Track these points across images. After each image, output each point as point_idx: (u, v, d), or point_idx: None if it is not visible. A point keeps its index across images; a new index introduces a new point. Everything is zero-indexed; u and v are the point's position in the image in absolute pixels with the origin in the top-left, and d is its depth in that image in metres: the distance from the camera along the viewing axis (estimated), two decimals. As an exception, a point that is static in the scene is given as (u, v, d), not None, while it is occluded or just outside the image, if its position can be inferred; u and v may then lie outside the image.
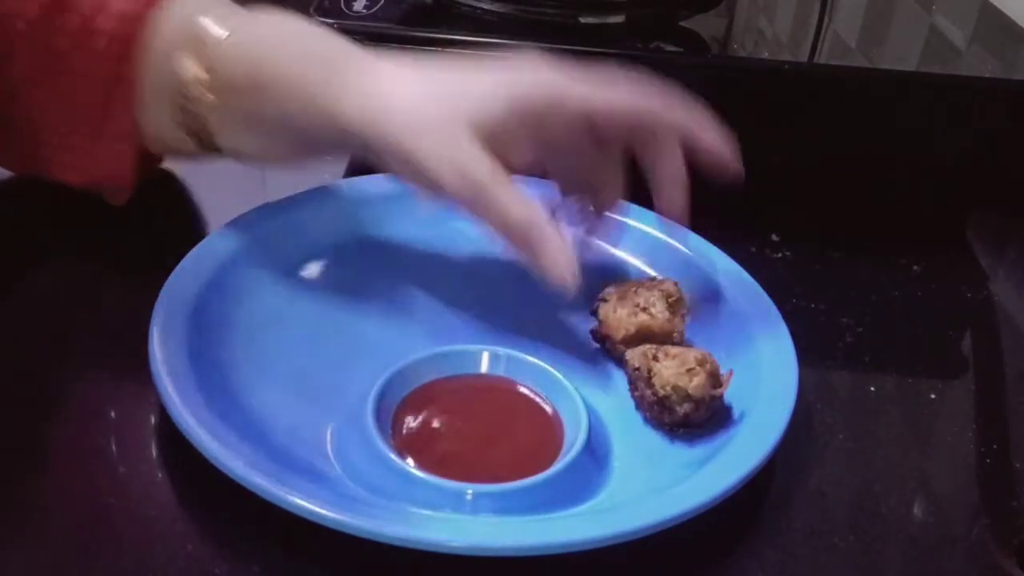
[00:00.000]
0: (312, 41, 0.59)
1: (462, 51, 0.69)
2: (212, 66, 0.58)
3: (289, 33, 0.59)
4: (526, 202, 0.54)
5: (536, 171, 0.60)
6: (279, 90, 0.57)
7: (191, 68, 0.58)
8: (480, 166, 0.53)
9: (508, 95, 0.55)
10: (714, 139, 0.58)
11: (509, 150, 0.55)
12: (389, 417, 0.51)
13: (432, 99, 0.55)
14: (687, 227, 0.60)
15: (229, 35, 0.58)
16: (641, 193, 0.67)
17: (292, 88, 0.57)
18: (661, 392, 0.52)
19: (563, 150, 0.58)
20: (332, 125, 0.56)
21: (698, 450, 0.52)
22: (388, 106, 0.55)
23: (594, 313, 0.58)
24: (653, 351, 0.53)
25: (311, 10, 0.69)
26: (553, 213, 0.60)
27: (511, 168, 0.55)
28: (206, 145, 0.61)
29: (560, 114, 0.55)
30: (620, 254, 0.65)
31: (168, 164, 0.73)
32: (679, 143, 0.57)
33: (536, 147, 0.56)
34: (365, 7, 0.71)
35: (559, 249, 0.53)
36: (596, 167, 0.60)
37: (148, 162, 0.65)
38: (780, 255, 0.69)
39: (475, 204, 0.54)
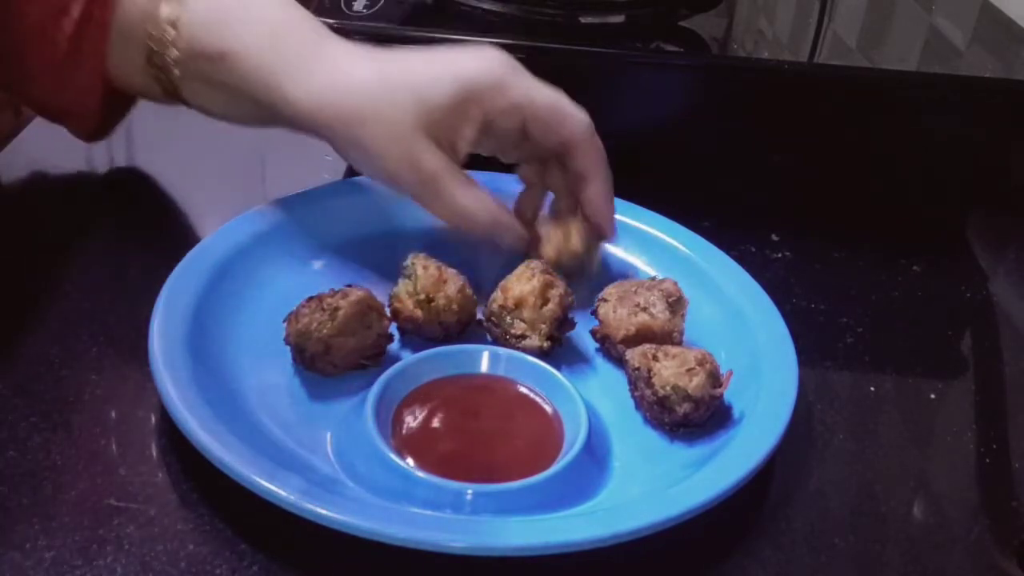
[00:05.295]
0: (278, 17, 0.60)
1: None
2: (179, 22, 0.59)
3: (256, 4, 0.60)
4: (475, 192, 0.57)
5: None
6: (242, 64, 0.58)
7: (161, 18, 0.60)
8: (430, 158, 0.56)
9: (453, 78, 0.56)
10: (605, 195, 0.60)
11: (455, 132, 0.57)
12: (389, 417, 0.51)
13: (382, 87, 0.57)
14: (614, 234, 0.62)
15: None
16: (641, 193, 0.67)
17: (254, 65, 0.58)
18: (661, 392, 0.52)
19: (504, 138, 0.60)
20: (287, 106, 0.58)
21: (698, 450, 0.52)
22: (339, 94, 0.57)
23: (594, 313, 0.58)
24: (653, 351, 0.54)
25: (311, 10, 0.69)
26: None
27: (458, 150, 0.58)
28: (171, 94, 0.63)
29: (499, 100, 0.57)
30: (620, 254, 0.65)
31: (168, 164, 0.74)
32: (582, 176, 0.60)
33: (480, 131, 0.58)
34: (365, 7, 0.71)
35: (509, 227, 0.58)
36: (540, 167, 0.62)
37: (120, 102, 0.66)
38: (780, 255, 0.69)
39: (424, 195, 0.57)
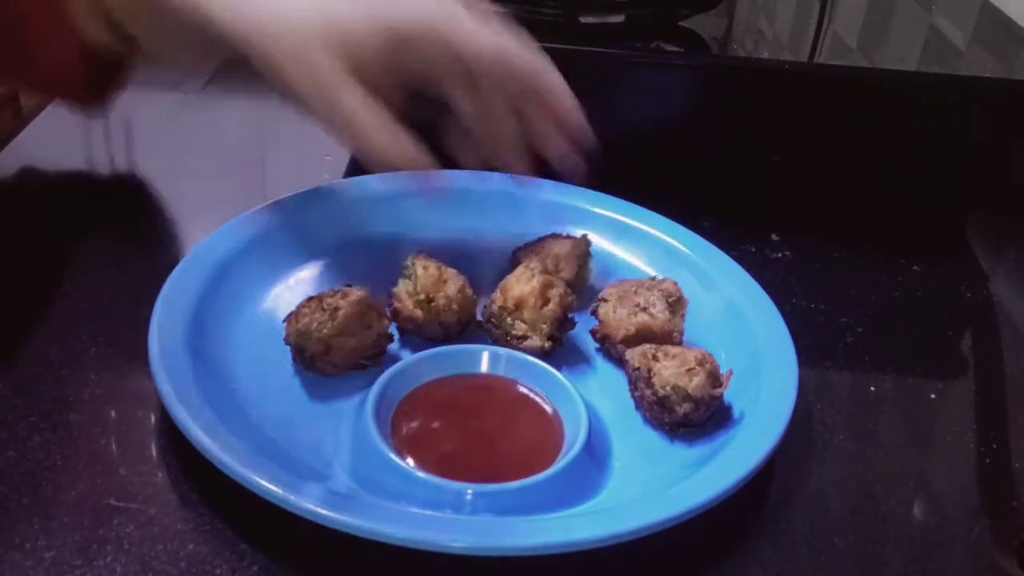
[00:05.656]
0: None
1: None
2: None
3: None
4: (370, 106, 0.55)
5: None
6: None
7: None
8: (327, 72, 0.54)
9: (370, 15, 0.55)
10: (571, 107, 0.58)
11: (374, 74, 0.55)
12: (389, 417, 0.51)
13: (299, 10, 0.56)
14: (582, 176, 0.60)
15: None
16: (641, 193, 0.67)
17: None
18: (661, 392, 0.52)
19: (435, 85, 0.58)
20: (211, 25, 0.56)
21: (698, 450, 0.52)
22: (259, 13, 0.56)
23: (594, 313, 0.58)
24: (653, 351, 0.54)
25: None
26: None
27: (380, 91, 0.55)
28: (122, 41, 0.62)
29: (426, 47, 0.56)
30: (620, 254, 0.65)
31: (168, 165, 0.74)
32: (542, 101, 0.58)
33: (405, 78, 0.56)
34: (365, 7, 0.70)
35: (404, 147, 0.55)
36: (483, 114, 0.59)
37: (104, 68, 0.66)
38: (780, 255, 0.70)
39: (320, 105, 0.55)
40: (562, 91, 0.58)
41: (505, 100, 0.58)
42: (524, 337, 0.56)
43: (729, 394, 0.53)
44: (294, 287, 0.60)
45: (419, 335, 0.57)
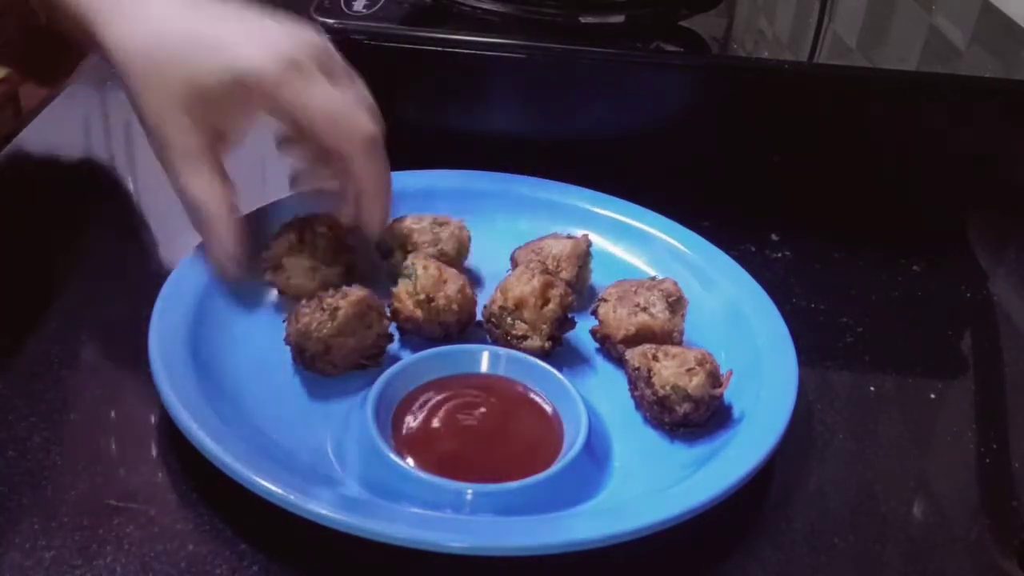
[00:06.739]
0: None
1: (462, 51, 0.69)
2: None
3: None
4: (210, 183, 0.56)
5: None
6: (69, 6, 0.59)
7: None
8: (178, 136, 0.56)
9: (226, 67, 0.55)
10: (372, 211, 0.59)
11: (224, 119, 0.57)
12: (389, 417, 0.51)
13: (170, 51, 0.56)
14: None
15: None
16: (641, 193, 0.67)
17: (75, 4, 0.59)
18: (661, 392, 0.52)
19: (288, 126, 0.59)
20: (102, 50, 0.58)
21: (698, 450, 0.52)
22: (137, 45, 0.57)
23: (594, 313, 0.58)
24: (653, 351, 0.53)
25: (311, 10, 0.69)
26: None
27: (226, 135, 0.57)
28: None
29: (270, 101, 0.56)
30: (620, 254, 0.65)
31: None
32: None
33: (253, 121, 0.58)
34: (365, 7, 0.71)
35: (221, 236, 0.57)
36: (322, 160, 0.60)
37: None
38: (780, 255, 0.69)
39: (165, 169, 0.57)
40: (376, 174, 0.58)
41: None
42: (524, 337, 0.56)
43: (729, 394, 0.53)
44: (294, 287, 0.60)
45: (419, 335, 0.57)
